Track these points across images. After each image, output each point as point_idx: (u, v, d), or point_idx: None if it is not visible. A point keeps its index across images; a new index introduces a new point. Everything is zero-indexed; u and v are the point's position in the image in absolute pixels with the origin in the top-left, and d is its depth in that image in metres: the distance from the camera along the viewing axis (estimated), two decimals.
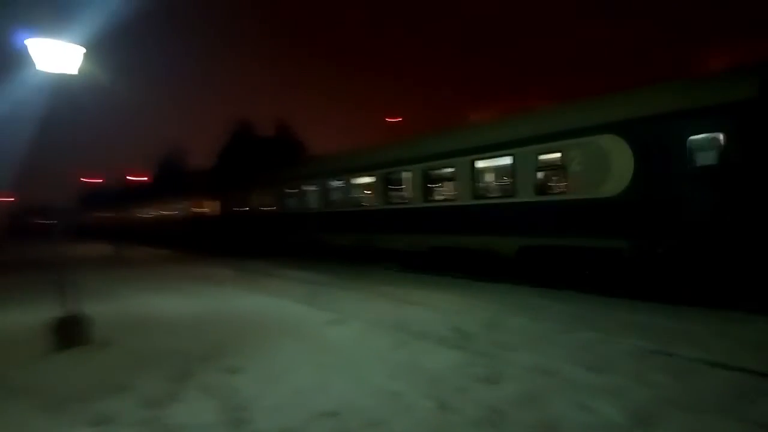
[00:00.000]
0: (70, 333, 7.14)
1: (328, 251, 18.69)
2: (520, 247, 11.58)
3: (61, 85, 7.19)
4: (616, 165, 9.75)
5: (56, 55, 6.95)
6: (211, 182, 32.97)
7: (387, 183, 15.74)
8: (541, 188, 11.23)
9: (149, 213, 41.53)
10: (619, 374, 5.47)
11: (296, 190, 20.43)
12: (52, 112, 7.48)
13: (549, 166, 11.08)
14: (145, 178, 69.01)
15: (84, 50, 7.25)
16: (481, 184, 13.00)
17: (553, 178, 11.17)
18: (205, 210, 30.96)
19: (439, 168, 13.90)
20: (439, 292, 10.94)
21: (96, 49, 8.14)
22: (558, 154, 10.79)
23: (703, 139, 8.63)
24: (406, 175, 15.07)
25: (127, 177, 65.56)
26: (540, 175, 11.23)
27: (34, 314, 9.13)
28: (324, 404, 4.86)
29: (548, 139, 10.91)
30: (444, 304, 9.51)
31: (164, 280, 14.40)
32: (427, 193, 14.26)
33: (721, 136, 8.41)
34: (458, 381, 5.41)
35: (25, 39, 6.51)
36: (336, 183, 18.16)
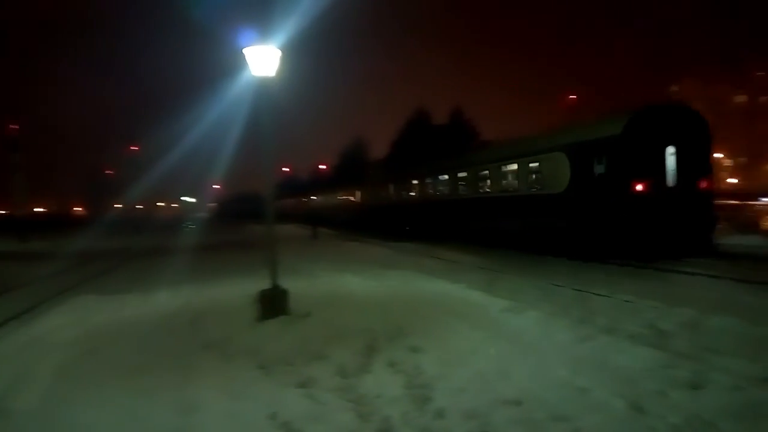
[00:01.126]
0: (273, 304, 8.11)
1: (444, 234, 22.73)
2: (519, 225, 16.96)
3: (263, 86, 8.12)
4: (562, 172, 14.98)
5: (261, 60, 7.86)
6: (371, 173, 36.64)
7: (456, 180, 21.78)
8: (530, 186, 16.65)
9: (328, 199, 45.64)
10: None
11: (409, 185, 27.10)
12: (255, 111, 8.48)
13: (534, 171, 16.51)
14: (325, 167, 74.93)
15: (280, 53, 8.07)
16: (503, 182, 18.49)
17: (537, 179, 16.41)
18: (363, 198, 35.45)
19: (482, 170, 19.74)
20: (624, 283, 10.12)
21: (288, 50, 9.02)
22: (538, 164, 16.33)
23: (597, 157, 13.88)
24: (464, 175, 21.03)
25: (319, 166, 71.40)
26: (531, 176, 16.68)
27: (243, 286, 10.58)
28: (507, 392, 4.84)
29: (534, 153, 16.48)
30: (632, 296, 8.76)
31: (346, 261, 15.58)
32: (478, 187, 20.01)
33: (604, 157, 13.69)
34: (655, 383, 4.95)
35: (242, 47, 7.45)
36: (427, 180, 24.76)
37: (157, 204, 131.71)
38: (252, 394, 4.94)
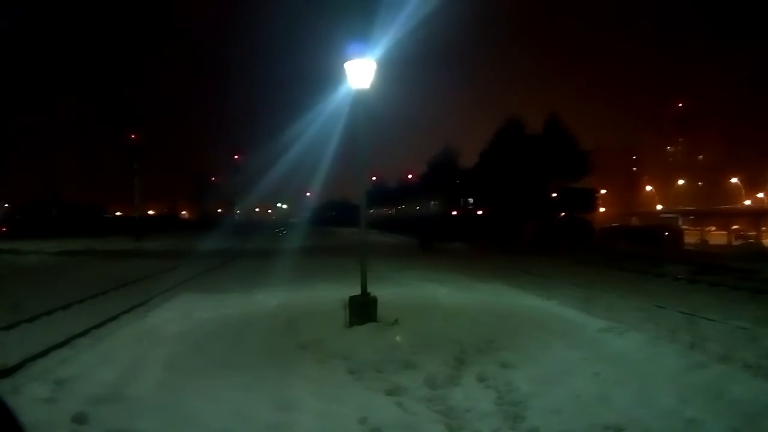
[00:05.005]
0: (363, 311, 8.20)
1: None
2: (377, 225, 55.63)
3: (359, 98, 8.31)
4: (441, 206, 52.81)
5: (358, 72, 8.05)
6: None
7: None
8: (432, 211, 52.73)
9: (420, 208, 51.05)
10: None
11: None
12: (351, 122, 8.70)
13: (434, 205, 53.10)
14: (411, 176, 75.21)
15: (375, 66, 8.20)
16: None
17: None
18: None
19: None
20: (737, 307, 9.22)
21: (383, 60, 9.15)
22: (434, 203, 55.25)
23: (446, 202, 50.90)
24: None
25: (409, 175, 72.15)
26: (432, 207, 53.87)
27: (332, 291, 10.87)
28: (606, 416, 4.55)
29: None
30: (748, 322, 7.96)
31: (434, 270, 15.52)
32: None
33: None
34: None
35: (344, 62, 7.72)
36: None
37: (255, 210, 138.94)
38: (344, 397, 5.04)
